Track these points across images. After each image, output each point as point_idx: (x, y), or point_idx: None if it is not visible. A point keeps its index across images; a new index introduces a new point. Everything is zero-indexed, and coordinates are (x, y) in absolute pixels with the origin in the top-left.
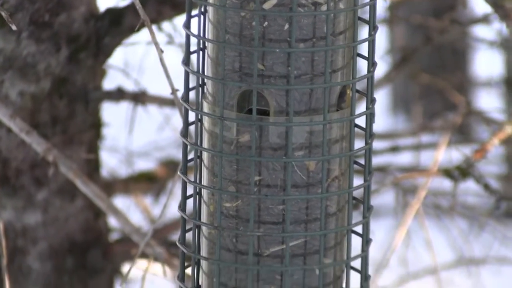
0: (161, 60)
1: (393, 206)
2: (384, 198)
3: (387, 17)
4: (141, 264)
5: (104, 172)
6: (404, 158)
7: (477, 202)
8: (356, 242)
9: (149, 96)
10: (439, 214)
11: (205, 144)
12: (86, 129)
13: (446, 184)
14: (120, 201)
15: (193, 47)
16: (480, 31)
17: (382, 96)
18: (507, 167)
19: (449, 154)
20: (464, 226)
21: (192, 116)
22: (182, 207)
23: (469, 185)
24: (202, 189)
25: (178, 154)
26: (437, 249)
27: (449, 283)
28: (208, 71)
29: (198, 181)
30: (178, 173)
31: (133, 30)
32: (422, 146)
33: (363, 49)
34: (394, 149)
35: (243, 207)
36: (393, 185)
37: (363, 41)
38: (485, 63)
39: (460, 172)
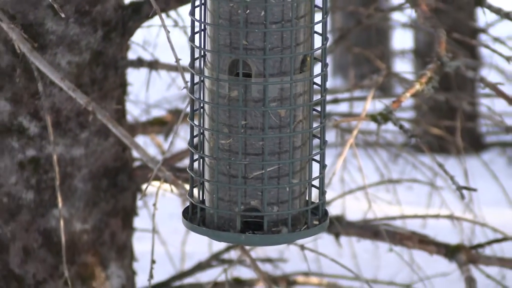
0: (168, 38)
1: (334, 141)
2: (328, 136)
3: (329, 6)
4: (155, 183)
5: (129, 118)
6: (342, 108)
7: (394, 138)
8: (315, 167)
9: (160, 63)
10: (367, 148)
11: (206, 98)
12: (115, 88)
13: (372, 126)
14: (140, 139)
15: (196, 29)
16: (396, 15)
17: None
18: (415, 114)
19: (374, 105)
20: (385, 156)
21: (196, 79)
22: (190, 143)
23: (389, 127)
24: (204, 131)
25: (182, 106)
26: (366, 173)
27: (374, 197)
28: (207, 46)
29: (201, 125)
30: (188, 119)
31: (148, 16)
32: (355, 99)
33: (318, 28)
34: (335, 101)
35: (234, 143)
36: (334, 127)
37: (318, 22)
38: (400, 39)
39: (382, 117)
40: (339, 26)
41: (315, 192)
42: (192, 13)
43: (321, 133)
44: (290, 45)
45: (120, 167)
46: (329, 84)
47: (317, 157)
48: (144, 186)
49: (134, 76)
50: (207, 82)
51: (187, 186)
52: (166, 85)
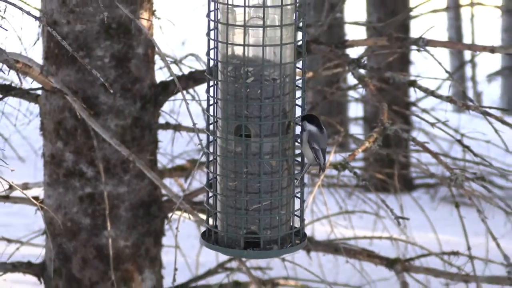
0: (188, 108)
1: (307, 183)
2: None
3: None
4: (177, 213)
5: (159, 166)
6: None
7: (349, 181)
8: (297, 202)
9: (182, 126)
10: (330, 187)
11: (218, 152)
12: (149, 143)
13: (334, 172)
14: (167, 181)
15: (210, 102)
16: (351, 93)
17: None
18: (365, 163)
19: (335, 157)
20: (343, 194)
21: (211, 138)
22: (207, 185)
23: (346, 173)
24: (217, 176)
25: (197, 157)
26: (329, 205)
27: (335, 223)
28: (219, 114)
29: (215, 172)
30: (204, 168)
31: (173, 92)
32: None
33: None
34: None
35: (238, 185)
36: (307, 172)
37: (298, 98)
38: (354, 110)
39: (341, 166)
40: (310, 100)
41: (297, 220)
42: (207, 91)
43: (301, 177)
44: (279, 114)
45: (152, 201)
46: None
47: (299, 195)
48: (169, 215)
49: (163, 136)
50: (219, 141)
51: (202, 215)
52: (186, 142)
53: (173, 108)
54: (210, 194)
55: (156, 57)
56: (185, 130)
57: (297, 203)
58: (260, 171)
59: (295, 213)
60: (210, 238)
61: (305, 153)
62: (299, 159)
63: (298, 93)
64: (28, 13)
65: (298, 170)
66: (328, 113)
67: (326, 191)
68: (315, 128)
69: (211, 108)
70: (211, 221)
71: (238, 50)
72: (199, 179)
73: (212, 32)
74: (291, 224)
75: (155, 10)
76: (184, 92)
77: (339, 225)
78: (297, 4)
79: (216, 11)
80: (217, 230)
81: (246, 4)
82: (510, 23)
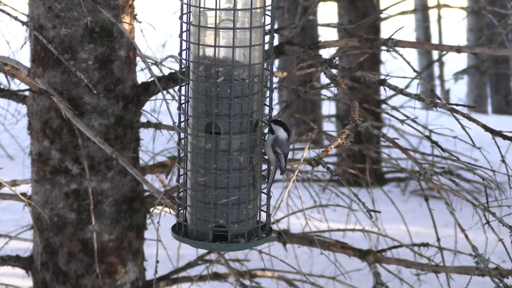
0: (168, 107)
1: (282, 178)
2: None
3: (279, 85)
4: (159, 207)
5: (141, 162)
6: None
7: (323, 176)
8: (264, 197)
9: (163, 125)
10: (305, 182)
11: (189, 148)
12: (132, 142)
13: (308, 167)
14: (149, 177)
15: (182, 101)
16: (324, 91)
17: None
18: (338, 159)
19: (309, 153)
20: (317, 189)
21: (182, 135)
22: (178, 180)
23: (319, 168)
24: (187, 171)
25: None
26: (304, 199)
27: (309, 217)
28: (190, 112)
29: (186, 168)
30: (175, 164)
31: (154, 92)
32: (296, 149)
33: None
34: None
35: (208, 180)
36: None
37: (266, 97)
38: (327, 108)
39: (315, 162)
40: (285, 99)
41: (264, 215)
42: (179, 90)
43: (269, 173)
44: (248, 112)
45: (135, 196)
46: None
47: (265, 191)
48: (151, 209)
49: (145, 134)
50: (189, 138)
51: None
52: (167, 140)
53: (154, 107)
54: (181, 189)
55: (138, 59)
56: (165, 128)
57: (264, 199)
58: (229, 167)
59: (262, 208)
60: (180, 231)
61: (267, 154)
62: (266, 156)
63: (267, 93)
64: (16, 18)
65: (265, 167)
66: (302, 111)
67: (300, 186)
68: (284, 134)
69: (183, 106)
70: (181, 215)
71: (209, 51)
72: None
73: (184, 34)
74: (258, 218)
75: (136, 14)
76: (164, 92)
77: (314, 218)
78: (266, 8)
79: (188, 14)
80: (187, 223)
81: (217, 7)
82: (475, 23)
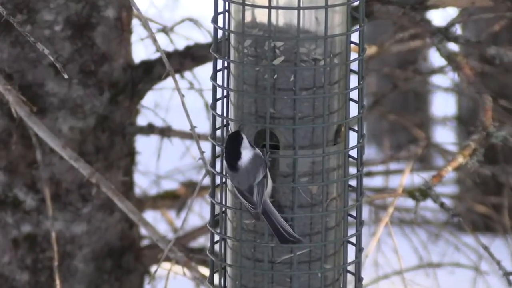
0: (183, 103)
1: (367, 220)
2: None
3: (362, 71)
4: (165, 266)
5: (137, 191)
6: (376, 182)
7: (434, 217)
8: (350, 250)
9: (173, 131)
10: (404, 226)
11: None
12: (122, 157)
13: (409, 202)
14: (149, 215)
15: (218, 95)
16: (437, 79)
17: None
18: (458, 188)
19: (411, 179)
20: (423, 236)
21: (218, 149)
22: (211, 223)
23: (428, 204)
24: (227, 209)
25: (196, 177)
26: (403, 254)
27: (412, 283)
28: (230, 114)
29: (224, 203)
30: (208, 196)
31: (160, 78)
32: (390, 172)
33: (354, 94)
34: (368, 174)
35: (259, 223)
36: (367, 203)
37: (354, 89)
38: (441, 105)
39: (420, 193)
40: (373, 90)
41: (350, 279)
42: (213, 77)
43: (357, 212)
44: (323, 113)
45: (126, 247)
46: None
47: (353, 239)
48: (153, 269)
49: (144, 144)
50: None
51: (203, 269)
52: (180, 154)
53: (160, 102)
54: (217, 238)
55: (135, 22)
56: (178, 136)
57: (351, 252)
58: (293, 202)
59: (348, 268)
60: None
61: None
62: (354, 183)
63: (353, 81)
64: None
65: (354, 200)
66: (400, 110)
67: (397, 232)
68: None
69: (218, 103)
70: (217, 278)
71: (261, 15)
72: (199, 212)
73: None
74: (341, 285)
75: None
76: (178, 77)
77: (418, 285)
78: None
79: None
80: None
81: None
82: None
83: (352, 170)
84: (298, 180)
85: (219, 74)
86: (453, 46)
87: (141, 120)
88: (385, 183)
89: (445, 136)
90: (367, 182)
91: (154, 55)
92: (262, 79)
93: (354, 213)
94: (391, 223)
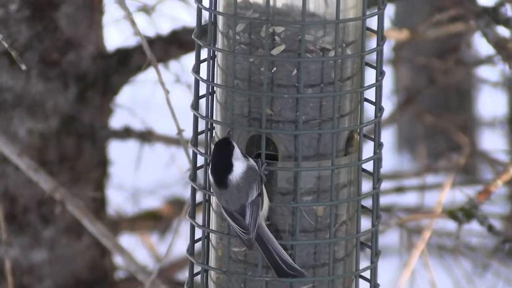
0: (168, 100)
1: (398, 246)
2: (389, 238)
3: (392, 58)
4: None
5: (111, 210)
6: (409, 199)
7: (480, 242)
8: (363, 286)
9: (156, 135)
10: (443, 255)
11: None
12: (93, 167)
13: (450, 224)
14: (126, 239)
15: (202, 91)
16: (484, 71)
17: (387, 136)
18: (511, 207)
19: (453, 195)
20: (468, 267)
21: (200, 159)
22: (191, 250)
23: (473, 226)
24: (210, 233)
25: (183, 192)
26: (442, 285)
27: None
28: (217, 116)
29: (206, 225)
30: (186, 216)
31: (140, 69)
32: (427, 187)
33: (370, 94)
34: (399, 190)
35: (251, 252)
36: (398, 226)
37: (371, 86)
38: (489, 103)
39: (464, 214)
40: (405, 84)
41: None
42: (196, 69)
43: (373, 239)
44: (332, 116)
45: (97, 279)
46: (392, 165)
47: (367, 273)
48: None
49: (119, 151)
50: None
51: None
52: (163, 165)
53: (139, 100)
54: (198, 268)
55: (107, 0)
56: (161, 142)
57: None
58: (294, 226)
59: None
60: None
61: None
62: (369, 202)
63: (370, 77)
64: None
65: (367, 224)
66: (440, 109)
67: (435, 262)
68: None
69: (202, 102)
70: None
71: None
72: (186, 237)
73: None
74: None
75: None
76: (161, 67)
77: None
78: None
79: None
80: None
81: None
82: None
83: (367, 186)
84: (300, 199)
85: (204, 66)
86: (503, 31)
87: (116, 122)
88: (420, 201)
89: (493, 142)
90: (398, 199)
91: (131, 41)
92: (258, 73)
93: (369, 241)
94: (428, 251)
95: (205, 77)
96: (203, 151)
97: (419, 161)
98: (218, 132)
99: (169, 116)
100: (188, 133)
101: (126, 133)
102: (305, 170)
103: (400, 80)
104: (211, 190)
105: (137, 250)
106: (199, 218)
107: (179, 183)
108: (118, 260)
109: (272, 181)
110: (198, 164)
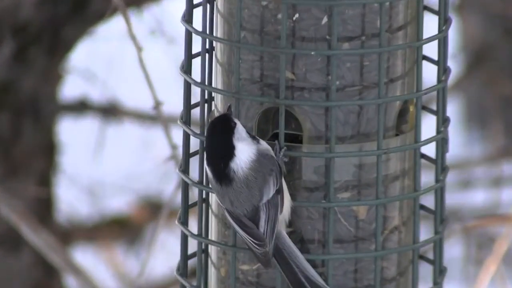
0: (141, 60)
1: (461, 261)
2: (450, 251)
3: (457, 3)
4: None
5: (61, 213)
6: (479, 196)
7: None
8: None
9: (124, 109)
10: None
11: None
12: (36, 154)
13: None
14: (82, 254)
15: (196, 48)
16: None
17: (451, 108)
18: None
19: None
20: None
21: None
22: (182, 270)
23: None
24: (210, 244)
25: (162, 189)
26: None
27: None
28: (217, 82)
29: (204, 235)
30: (177, 222)
31: (101, 18)
32: (502, 181)
33: (430, 49)
34: (466, 184)
35: (267, 270)
36: (462, 234)
37: (431, 39)
38: None
39: None
40: (475, 39)
41: None
42: (187, 17)
43: (436, 251)
44: (378, 81)
45: None
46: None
47: None
48: None
49: (73, 132)
50: None
51: None
52: (134, 150)
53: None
54: None
55: None
56: (131, 119)
57: None
58: (326, 235)
59: None
60: None
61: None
62: (431, 200)
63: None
64: None
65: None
66: None
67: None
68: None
69: (196, 62)
70: None
71: None
72: (170, 249)
73: None
74: None
75: None
76: (132, 16)
77: None
78: None
79: None
80: None
81: None
82: None
83: (427, 179)
84: (334, 196)
85: (198, 12)
86: None
87: (68, 91)
88: (493, 200)
89: None
90: (464, 197)
91: None
92: (273, 22)
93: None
94: (503, 262)
95: (200, 28)
96: (198, 131)
97: (492, 141)
98: (219, 105)
99: (142, 84)
100: (169, 107)
101: (82, 106)
102: (341, 156)
103: (469, 34)
104: (210, 186)
105: (97, 268)
106: (193, 225)
107: (155, 176)
108: (70, 282)
109: (294, 172)
110: (192, 150)
